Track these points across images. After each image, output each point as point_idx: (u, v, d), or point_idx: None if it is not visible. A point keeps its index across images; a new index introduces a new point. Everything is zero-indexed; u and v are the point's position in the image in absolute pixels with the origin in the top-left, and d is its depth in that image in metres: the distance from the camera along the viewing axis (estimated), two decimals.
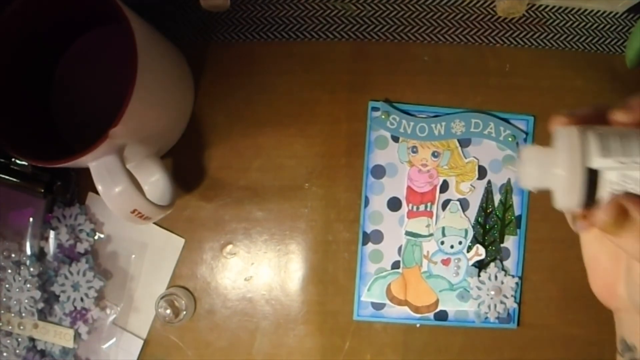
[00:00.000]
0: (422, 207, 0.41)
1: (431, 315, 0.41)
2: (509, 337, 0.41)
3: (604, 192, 0.24)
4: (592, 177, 0.24)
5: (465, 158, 0.41)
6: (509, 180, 0.41)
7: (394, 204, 0.41)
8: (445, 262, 0.41)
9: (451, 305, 0.41)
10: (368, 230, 0.41)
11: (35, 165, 0.36)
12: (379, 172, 0.41)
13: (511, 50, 0.42)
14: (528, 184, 0.26)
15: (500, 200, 0.41)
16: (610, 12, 0.42)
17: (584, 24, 0.42)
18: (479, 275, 0.41)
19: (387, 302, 0.41)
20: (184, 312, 0.40)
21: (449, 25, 0.42)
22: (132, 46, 0.30)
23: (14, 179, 0.37)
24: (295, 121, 0.41)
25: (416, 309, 0.41)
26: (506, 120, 0.41)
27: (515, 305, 0.41)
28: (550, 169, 0.25)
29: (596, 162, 0.24)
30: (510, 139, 0.41)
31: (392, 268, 0.41)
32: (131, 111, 0.30)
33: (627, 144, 0.24)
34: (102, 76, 0.38)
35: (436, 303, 0.41)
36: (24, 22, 0.33)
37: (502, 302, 0.40)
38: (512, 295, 0.41)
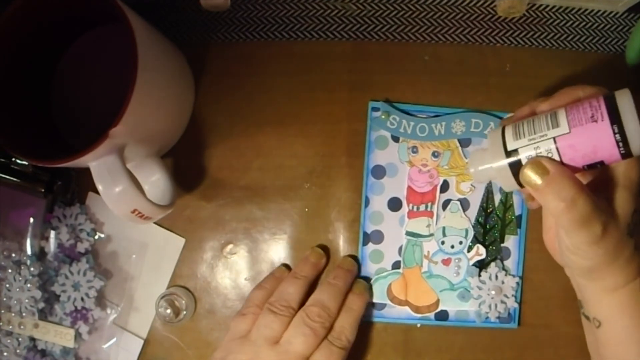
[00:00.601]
0: (422, 207, 0.41)
1: (432, 315, 0.41)
2: (510, 337, 0.41)
3: None
4: (516, 160, 0.31)
5: (466, 158, 0.41)
6: None
7: (394, 204, 0.41)
8: (446, 262, 0.41)
9: (452, 305, 0.41)
10: (368, 231, 0.41)
11: (36, 165, 0.36)
12: (379, 172, 0.41)
13: (512, 49, 0.42)
14: (478, 180, 0.34)
15: (501, 200, 0.41)
16: (611, 12, 0.42)
17: (584, 23, 0.42)
18: (479, 275, 0.41)
19: (388, 302, 0.41)
20: (184, 312, 0.40)
21: (449, 24, 0.42)
22: (133, 46, 0.30)
23: (14, 179, 0.37)
24: (295, 121, 0.41)
25: (417, 309, 0.41)
26: None
27: (516, 305, 0.41)
28: (486, 163, 0.32)
29: (512, 145, 0.31)
30: None
31: (393, 268, 0.41)
32: (131, 111, 0.30)
33: (533, 125, 0.30)
34: (102, 76, 0.38)
35: (437, 303, 0.41)
36: (24, 22, 0.33)
37: (502, 302, 0.40)
38: (512, 295, 0.41)
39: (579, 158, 0.30)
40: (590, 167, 0.30)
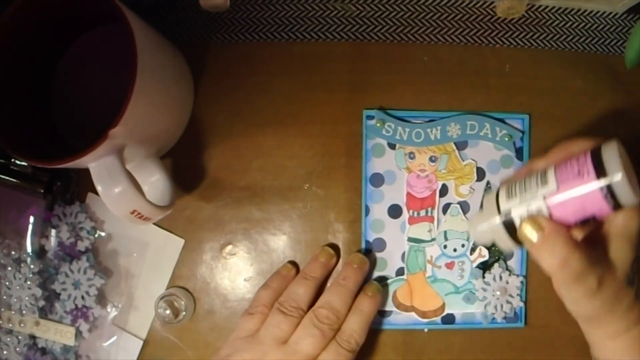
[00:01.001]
0: (422, 213, 0.41)
1: (438, 319, 0.41)
2: (511, 337, 0.41)
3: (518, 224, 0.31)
4: (510, 220, 0.31)
5: (463, 161, 0.41)
6: None
7: (394, 211, 0.41)
8: (449, 266, 0.41)
9: (458, 308, 0.41)
10: (370, 239, 0.41)
11: (35, 166, 0.36)
12: (377, 180, 0.41)
13: (511, 50, 0.42)
14: (479, 242, 0.36)
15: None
16: (610, 13, 0.42)
17: (583, 24, 0.42)
18: (483, 277, 0.41)
19: (394, 309, 0.41)
20: (184, 313, 0.40)
21: (448, 25, 0.42)
22: (132, 46, 0.30)
23: (14, 180, 0.37)
24: (295, 121, 0.41)
25: (423, 314, 0.41)
26: (502, 120, 0.41)
27: (522, 304, 0.41)
28: (481, 224, 0.33)
29: (504, 205, 0.31)
30: (506, 139, 0.41)
31: (397, 275, 0.41)
32: (131, 111, 0.30)
33: (524, 184, 0.31)
34: (102, 76, 0.38)
35: (443, 307, 0.41)
36: (24, 22, 0.33)
37: (508, 302, 0.41)
38: (517, 295, 0.41)
39: (569, 214, 0.30)
40: (584, 221, 0.30)
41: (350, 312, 0.38)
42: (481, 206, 0.40)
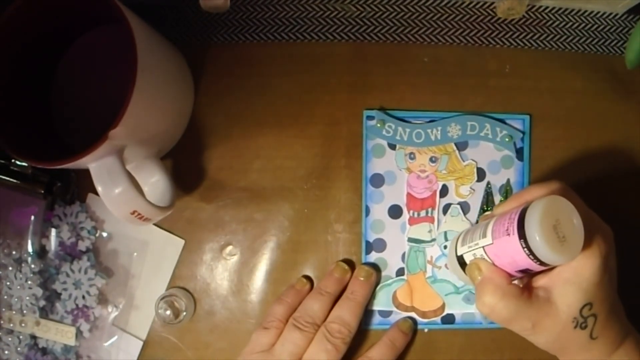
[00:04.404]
0: (423, 213, 0.41)
1: (438, 319, 0.41)
2: (510, 338, 0.41)
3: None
4: (464, 263, 0.35)
5: (463, 161, 0.41)
6: (508, 181, 0.41)
7: (394, 212, 0.41)
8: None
9: (458, 308, 0.41)
10: (370, 239, 0.41)
11: (35, 166, 0.36)
12: (377, 180, 0.41)
13: (511, 51, 0.42)
14: (453, 274, 0.39)
15: (501, 201, 0.41)
16: (610, 14, 0.42)
17: (583, 25, 0.42)
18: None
19: (394, 309, 0.41)
20: (184, 313, 0.40)
21: (448, 26, 0.42)
22: (132, 47, 0.30)
23: (14, 180, 0.37)
24: (295, 122, 0.41)
25: (423, 314, 0.41)
26: (502, 121, 0.41)
27: None
28: (449, 262, 0.37)
29: (459, 250, 0.35)
30: (507, 139, 0.41)
31: (397, 275, 0.41)
32: (131, 112, 0.30)
33: (472, 233, 0.34)
34: (102, 77, 0.38)
35: (442, 307, 0.41)
36: (24, 23, 0.34)
37: None
38: None
39: (506, 265, 0.31)
40: (523, 272, 0.31)
41: (342, 298, 0.39)
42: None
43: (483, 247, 0.32)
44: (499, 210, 0.34)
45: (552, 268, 0.31)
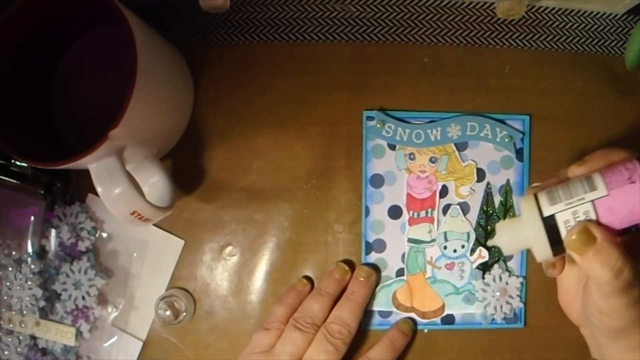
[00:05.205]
0: (422, 214, 0.41)
1: (438, 319, 0.41)
2: (511, 338, 0.41)
3: (564, 231, 0.30)
4: (553, 226, 0.30)
5: (463, 162, 0.41)
6: (508, 181, 0.41)
7: (394, 212, 0.41)
8: (449, 267, 0.41)
9: (457, 308, 0.41)
10: (370, 240, 0.41)
11: (35, 167, 0.36)
12: (377, 181, 0.41)
13: (511, 51, 0.42)
14: (509, 251, 0.32)
15: (501, 202, 0.41)
16: (610, 14, 0.42)
17: (583, 25, 0.42)
18: (483, 278, 0.41)
19: (394, 309, 0.41)
20: (184, 314, 0.40)
21: (448, 26, 0.42)
22: (132, 47, 0.30)
23: (14, 180, 0.37)
24: (294, 122, 0.41)
25: (423, 315, 0.41)
26: (502, 121, 0.41)
27: (522, 305, 0.41)
28: (519, 232, 0.31)
29: (548, 210, 0.30)
30: (507, 140, 0.41)
31: (397, 276, 0.41)
32: (131, 112, 0.30)
33: (569, 189, 0.30)
34: (102, 77, 0.38)
35: (442, 307, 0.41)
36: (24, 23, 0.34)
37: (508, 303, 0.41)
38: (517, 295, 0.41)
39: (616, 221, 0.29)
40: (625, 231, 0.29)
41: (342, 299, 0.39)
42: (503, 216, 0.41)
43: (592, 200, 0.29)
44: (580, 169, 0.31)
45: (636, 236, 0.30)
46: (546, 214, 0.30)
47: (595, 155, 0.31)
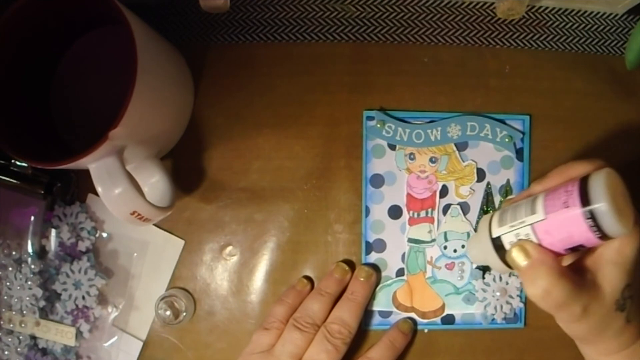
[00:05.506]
0: (423, 214, 0.41)
1: (438, 319, 0.41)
2: (510, 338, 0.41)
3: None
4: (500, 246, 0.32)
5: (463, 162, 0.41)
6: (508, 181, 0.41)
7: (394, 212, 0.41)
8: (449, 267, 0.41)
9: (457, 308, 0.41)
10: (370, 240, 0.41)
11: (35, 167, 0.36)
12: (377, 181, 0.41)
13: (511, 51, 0.42)
14: (476, 262, 0.38)
15: (501, 202, 0.41)
16: (610, 14, 0.42)
17: (583, 25, 0.42)
18: (483, 278, 0.41)
19: (394, 309, 0.41)
20: (184, 314, 0.40)
21: (448, 26, 0.42)
22: (132, 47, 0.30)
23: (14, 180, 0.37)
24: (294, 123, 0.41)
25: (423, 315, 0.41)
26: (502, 121, 0.41)
27: (522, 305, 0.41)
28: (479, 248, 0.34)
29: (495, 232, 0.32)
30: (507, 140, 0.41)
31: (397, 276, 0.41)
32: (131, 112, 0.30)
33: (515, 212, 0.32)
34: (102, 77, 0.38)
35: (442, 307, 0.41)
36: (24, 23, 0.34)
37: (508, 303, 0.41)
38: (517, 295, 0.41)
39: (557, 243, 0.30)
40: (573, 249, 0.30)
41: (342, 299, 0.39)
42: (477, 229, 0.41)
43: (531, 224, 0.30)
44: (538, 187, 0.33)
45: (594, 250, 0.31)
46: (494, 235, 0.33)
47: (554, 172, 0.32)
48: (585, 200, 0.28)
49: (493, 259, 0.33)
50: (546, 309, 0.30)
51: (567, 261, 0.33)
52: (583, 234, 0.29)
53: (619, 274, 0.30)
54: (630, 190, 0.30)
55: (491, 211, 0.40)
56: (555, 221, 0.30)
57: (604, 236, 0.29)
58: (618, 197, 0.28)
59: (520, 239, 0.31)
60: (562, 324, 0.32)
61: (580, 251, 0.31)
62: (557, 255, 0.31)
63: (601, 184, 0.28)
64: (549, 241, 0.30)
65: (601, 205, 0.28)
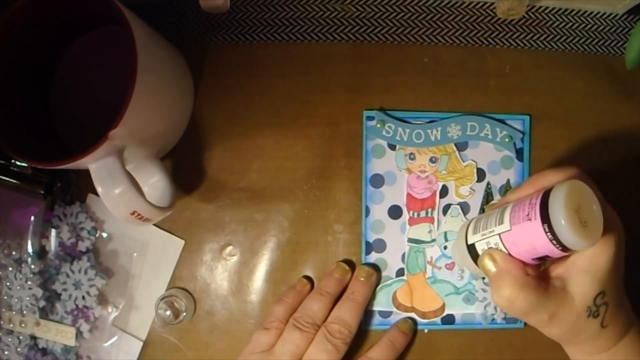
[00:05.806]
0: (423, 214, 0.41)
1: (438, 319, 0.41)
2: (510, 338, 0.41)
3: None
4: (475, 253, 0.34)
5: (463, 162, 0.41)
6: (508, 181, 0.41)
7: (394, 212, 0.41)
8: (449, 267, 0.41)
9: (458, 308, 0.41)
10: (370, 240, 0.41)
11: (35, 167, 0.36)
12: (377, 181, 0.41)
13: (511, 51, 0.42)
14: (459, 266, 0.40)
15: (482, 208, 0.41)
16: (610, 14, 0.42)
17: (583, 25, 0.42)
18: (483, 278, 0.41)
19: (394, 309, 0.41)
20: (184, 314, 0.40)
21: (448, 26, 0.42)
22: (132, 47, 0.30)
23: (14, 180, 0.37)
24: (294, 123, 0.41)
25: (423, 315, 0.41)
26: (502, 121, 0.41)
27: None
28: (455, 254, 0.36)
29: (470, 239, 0.34)
30: (507, 140, 0.41)
31: (397, 276, 0.41)
32: (131, 112, 0.30)
33: (487, 221, 0.33)
34: (102, 77, 0.39)
35: (442, 307, 0.41)
36: (24, 23, 0.34)
37: None
38: None
39: (523, 252, 0.31)
40: (541, 259, 0.31)
41: (342, 299, 0.39)
42: None
43: (499, 234, 0.31)
44: (513, 196, 0.34)
45: (567, 257, 0.31)
46: (469, 242, 0.34)
47: (527, 181, 0.34)
48: (544, 214, 0.29)
49: (470, 264, 0.34)
50: (512, 315, 0.31)
51: (543, 267, 0.33)
52: (545, 246, 0.29)
53: (590, 282, 0.30)
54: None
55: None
56: (519, 233, 0.30)
57: (566, 249, 0.29)
58: (583, 210, 0.28)
59: (490, 247, 0.32)
60: (536, 327, 0.32)
61: (552, 259, 0.31)
62: (526, 264, 0.31)
63: (561, 198, 0.28)
64: (516, 251, 0.31)
65: (559, 220, 0.28)
